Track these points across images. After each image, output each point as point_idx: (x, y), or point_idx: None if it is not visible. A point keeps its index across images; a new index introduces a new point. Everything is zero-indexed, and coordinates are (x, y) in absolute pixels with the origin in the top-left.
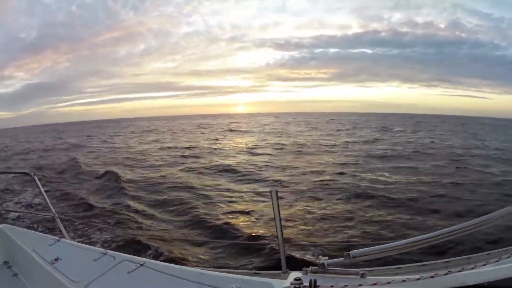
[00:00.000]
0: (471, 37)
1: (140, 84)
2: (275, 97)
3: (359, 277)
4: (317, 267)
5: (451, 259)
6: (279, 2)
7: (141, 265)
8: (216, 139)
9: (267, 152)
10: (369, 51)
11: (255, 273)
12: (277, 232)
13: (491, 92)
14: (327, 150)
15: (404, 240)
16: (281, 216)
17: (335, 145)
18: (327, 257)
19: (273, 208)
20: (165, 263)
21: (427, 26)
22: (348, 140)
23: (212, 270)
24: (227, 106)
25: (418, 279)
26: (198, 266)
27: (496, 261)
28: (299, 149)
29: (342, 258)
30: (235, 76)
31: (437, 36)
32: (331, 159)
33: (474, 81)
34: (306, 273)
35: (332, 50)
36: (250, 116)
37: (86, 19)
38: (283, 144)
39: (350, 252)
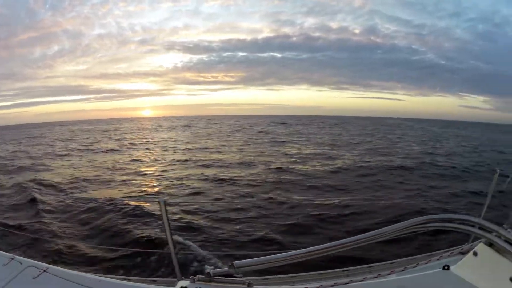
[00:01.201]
0: (388, 42)
1: (52, 87)
2: (181, 100)
3: (246, 286)
4: (203, 276)
5: (351, 268)
6: (192, 6)
7: (44, 271)
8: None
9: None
10: (278, 55)
11: (152, 280)
12: (168, 241)
13: (406, 94)
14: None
15: (292, 252)
16: (170, 225)
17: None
18: (212, 266)
19: (162, 217)
20: (66, 270)
21: (341, 31)
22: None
23: (110, 278)
24: (134, 110)
25: None
26: (97, 273)
27: (402, 271)
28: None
29: (227, 268)
30: (143, 79)
31: (351, 41)
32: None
33: (388, 84)
34: (193, 282)
35: (240, 53)
36: (147, 120)
37: (6, 17)
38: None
39: (234, 263)
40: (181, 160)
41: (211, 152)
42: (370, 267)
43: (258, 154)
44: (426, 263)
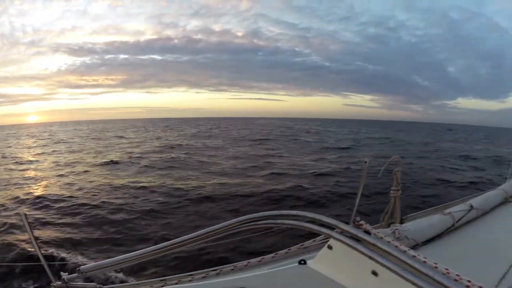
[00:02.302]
0: (271, 44)
1: None
2: (63, 104)
3: None
4: (60, 282)
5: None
6: (82, 6)
7: None
8: None
9: None
10: (159, 57)
11: None
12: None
13: (287, 94)
14: None
15: (135, 252)
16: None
17: None
18: (67, 273)
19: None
20: None
21: (223, 34)
22: None
23: None
24: (18, 115)
25: None
26: None
27: (258, 267)
28: None
29: (76, 274)
30: (29, 83)
31: (233, 44)
32: None
33: (268, 85)
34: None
35: (122, 56)
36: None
37: None
38: None
39: (80, 268)
40: None
41: None
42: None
43: None
44: (284, 259)
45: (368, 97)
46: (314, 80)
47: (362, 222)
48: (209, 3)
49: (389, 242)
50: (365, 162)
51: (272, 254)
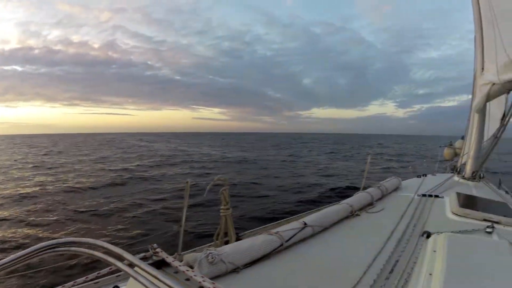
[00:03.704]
0: (124, 57)
1: None
2: None
3: None
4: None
5: None
6: None
7: None
8: None
9: None
10: (19, 68)
11: None
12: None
13: (136, 109)
14: None
15: None
16: None
17: None
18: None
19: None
20: None
21: (81, 45)
22: None
23: None
24: None
25: None
26: None
27: None
28: None
29: None
30: None
31: (89, 56)
32: None
33: (118, 99)
34: None
35: None
36: None
37: None
38: None
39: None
40: None
41: None
42: None
43: None
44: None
45: (217, 110)
46: (164, 94)
47: (158, 249)
48: (74, 11)
49: (177, 272)
50: (187, 182)
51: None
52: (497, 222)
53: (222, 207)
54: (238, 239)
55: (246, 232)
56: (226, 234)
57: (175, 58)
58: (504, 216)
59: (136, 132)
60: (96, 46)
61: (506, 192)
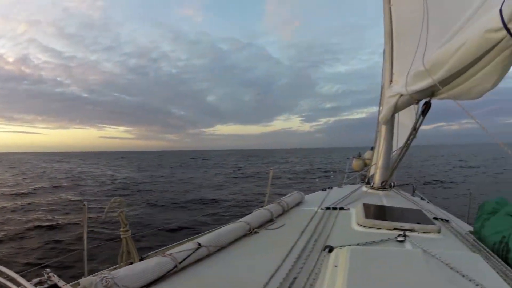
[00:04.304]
0: (35, 73)
1: None
2: None
3: None
4: None
5: None
6: None
7: None
8: None
9: None
10: None
11: None
12: None
13: (46, 127)
14: None
15: None
16: None
17: None
18: None
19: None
20: None
21: None
22: None
23: None
24: None
25: None
26: None
27: None
28: None
29: None
30: None
31: (3, 71)
32: None
33: (29, 117)
34: None
35: None
36: None
37: None
38: None
39: None
40: None
41: None
42: None
43: None
44: None
45: (122, 128)
46: (72, 112)
47: (51, 274)
48: None
49: None
50: (84, 204)
51: None
52: (410, 230)
53: (121, 229)
54: (142, 259)
55: (150, 253)
56: (129, 254)
57: (84, 75)
58: (418, 223)
59: (46, 151)
60: (10, 60)
61: (422, 198)
